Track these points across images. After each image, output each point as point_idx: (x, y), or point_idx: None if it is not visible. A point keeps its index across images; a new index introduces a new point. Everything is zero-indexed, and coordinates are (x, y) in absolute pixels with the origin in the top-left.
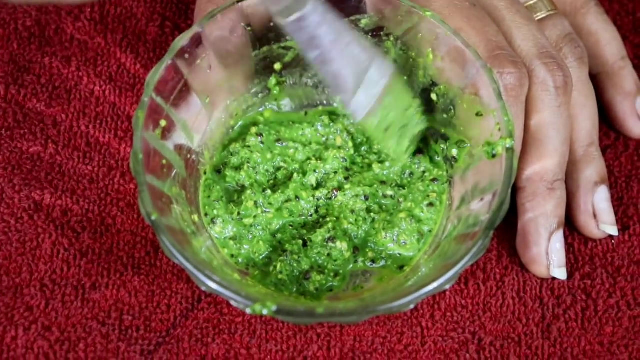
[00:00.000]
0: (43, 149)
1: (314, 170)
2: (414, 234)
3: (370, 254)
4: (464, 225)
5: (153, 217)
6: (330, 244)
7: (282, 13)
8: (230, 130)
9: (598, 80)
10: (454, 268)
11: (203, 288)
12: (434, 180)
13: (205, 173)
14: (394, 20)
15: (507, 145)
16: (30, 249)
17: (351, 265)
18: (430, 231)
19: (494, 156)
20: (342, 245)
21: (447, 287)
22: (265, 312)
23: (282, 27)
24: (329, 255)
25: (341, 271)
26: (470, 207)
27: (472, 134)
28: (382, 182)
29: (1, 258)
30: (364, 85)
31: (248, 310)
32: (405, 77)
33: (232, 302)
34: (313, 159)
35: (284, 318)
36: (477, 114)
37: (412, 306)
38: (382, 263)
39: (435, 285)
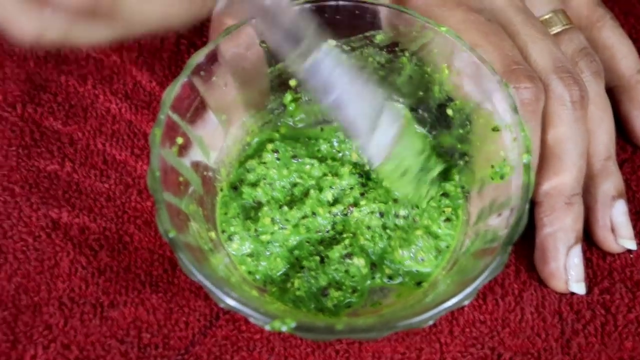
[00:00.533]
0: (60, 167)
1: (330, 187)
2: (431, 250)
3: (387, 271)
4: (482, 240)
5: (171, 235)
6: (348, 260)
7: (295, 61)
8: (247, 147)
9: (614, 94)
10: (473, 284)
11: (222, 305)
12: (444, 195)
13: (222, 190)
14: (409, 36)
15: (524, 161)
16: (48, 267)
17: (369, 282)
18: (447, 247)
19: (502, 177)
20: (359, 262)
21: (466, 302)
22: (284, 328)
23: (296, 74)
24: (346, 271)
25: (359, 287)
26: (488, 223)
27: (488, 149)
28: (395, 201)
29: (20, 277)
30: (379, 128)
31: (267, 327)
32: (418, 123)
33: (251, 319)
34: (329, 174)
35: (303, 334)
36: (494, 129)
37: (431, 322)
38: (400, 280)
39: (454, 301)
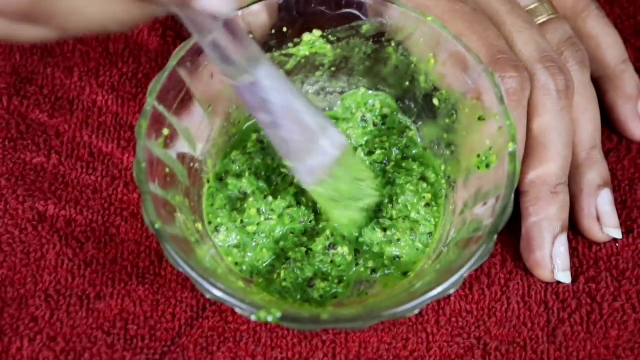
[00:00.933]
0: (46, 159)
1: None
2: (406, 231)
3: (370, 260)
4: (468, 230)
5: (157, 226)
6: (332, 251)
7: (232, 75)
8: (232, 138)
9: (599, 84)
10: (458, 273)
11: (208, 296)
12: (422, 179)
13: (208, 181)
14: (395, 26)
15: (510, 150)
16: (34, 259)
17: (354, 269)
18: (431, 234)
19: (487, 166)
20: (343, 250)
21: (452, 291)
22: (270, 319)
23: (230, 86)
24: (332, 262)
25: (345, 277)
26: (473, 212)
27: (473, 139)
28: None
29: (6, 269)
30: (314, 153)
31: (253, 317)
32: (365, 149)
33: (237, 310)
34: None
35: (289, 325)
36: (479, 119)
37: (416, 311)
38: (386, 271)
39: (439, 290)
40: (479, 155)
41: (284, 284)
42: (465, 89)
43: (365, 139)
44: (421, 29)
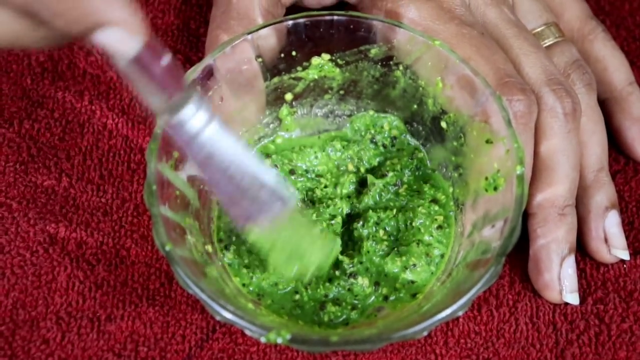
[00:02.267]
0: (57, 182)
1: (328, 201)
2: (422, 256)
3: (385, 288)
4: (476, 252)
5: (167, 248)
6: (352, 280)
7: (165, 112)
8: None
9: (606, 106)
10: (467, 295)
11: (218, 318)
12: (433, 201)
13: (218, 204)
14: (403, 50)
15: (518, 172)
16: (45, 282)
17: (371, 300)
18: (442, 255)
19: (495, 189)
20: (363, 282)
21: (460, 313)
22: (279, 340)
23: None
24: (349, 290)
25: (360, 305)
26: (481, 234)
27: (481, 161)
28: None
29: (17, 292)
30: (251, 198)
31: (263, 339)
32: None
33: (247, 332)
34: (330, 187)
35: (298, 346)
36: (487, 142)
37: (425, 333)
38: (398, 295)
39: (448, 312)
40: (486, 178)
41: (294, 307)
42: (473, 112)
43: (378, 160)
44: (429, 53)
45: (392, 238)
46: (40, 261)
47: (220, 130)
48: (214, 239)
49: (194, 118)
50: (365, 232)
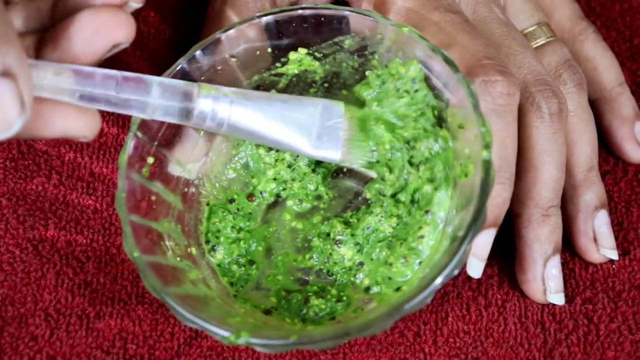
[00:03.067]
0: (47, 180)
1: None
2: (400, 258)
3: (369, 276)
4: (450, 241)
5: (135, 255)
6: (335, 247)
7: (182, 121)
8: (232, 160)
9: (596, 106)
10: (429, 287)
11: (185, 323)
12: (427, 212)
13: (208, 204)
14: (375, 39)
15: (484, 157)
16: (34, 279)
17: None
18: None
19: (466, 175)
20: (346, 253)
21: (423, 306)
22: (240, 341)
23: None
24: (329, 255)
25: (345, 297)
26: (455, 221)
27: (457, 147)
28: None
29: (6, 288)
30: (316, 133)
31: (225, 342)
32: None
33: (211, 334)
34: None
35: (258, 348)
36: (459, 127)
37: (388, 325)
38: (378, 289)
39: (410, 304)
40: (460, 164)
41: (276, 298)
42: (447, 98)
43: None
44: (399, 40)
45: (396, 226)
46: (30, 258)
47: (242, 108)
48: (202, 240)
49: (213, 113)
50: (375, 211)
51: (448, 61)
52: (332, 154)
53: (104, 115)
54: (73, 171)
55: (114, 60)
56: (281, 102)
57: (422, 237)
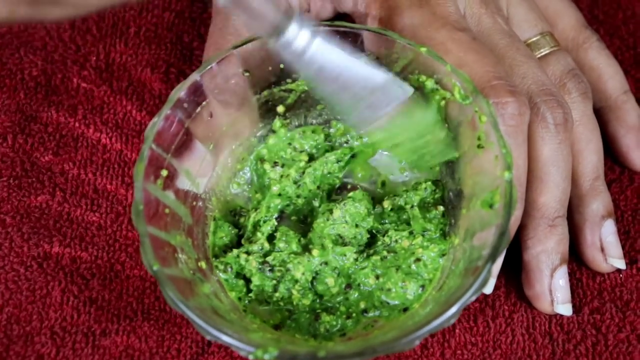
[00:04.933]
0: (51, 197)
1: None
2: (398, 282)
3: (362, 302)
4: (468, 260)
5: (155, 268)
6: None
7: (265, 34)
8: (236, 175)
9: (601, 115)
10: (457, 303)
11: (208, 337)
12: (425, 231)
13: (214, 219)
14: (391, 58)
15: (506, 178)
16: (40, 297)
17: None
18: (430, 280)
19: (491, 207)
20: (329, 281)
21: (451, 322)
22: (267, 357)
23: (284, 60)
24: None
25: (354, 314)
26: (473, 242)
27: (473, 168)
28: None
29: (11, 307)
30: (366, 104)
31: (250, 357)
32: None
33: (235, 350)
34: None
35: None
36: (478, 147)
37: (417, 342)
38: (378, 313)
39: (438, 322)
40: (484, 199)
41: (288, 317)
42: (462, 118)
43: None
44: (416, 60)
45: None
46: (35, 276)
47: (325, 44)
48: (209, 254)
49: (299, 37)
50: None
51: (466, 81)
52: (360, 126)
53: (107, 131)
54: (77, 188)
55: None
56: (356, 62)
57: (418, 260)
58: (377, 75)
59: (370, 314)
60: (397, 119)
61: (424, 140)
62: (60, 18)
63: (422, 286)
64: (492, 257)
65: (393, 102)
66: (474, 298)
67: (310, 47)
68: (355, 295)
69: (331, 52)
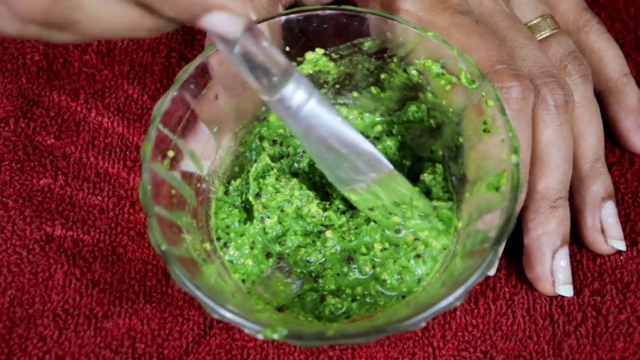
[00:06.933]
0: (53, 181)
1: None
2: (394, 274)
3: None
4: (472, 242)
5: (163, 247)
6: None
7: (263, 90)
8: (240, 157)
9: (601, 97)
10: (464, 285)
11: (215, 316)
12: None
13: (217, 200)
14: (396, 42)
15: (513, 161)
16: (42, 279)
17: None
18: (419, 280)
19: (497, 189)
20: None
21: (457, 304)
22: (276, 336)
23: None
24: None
25: (359, 297)
26: (477, 225)
27: (478, 152)
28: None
29: (14, 289)
30: (351, 166)
31: (259, 336)
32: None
33: (243, 329)
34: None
35: (294, 342)
36: (484, 131)
37: (422, 324)
38: (373, 300)
39: (444, 303)
40: (490, 182)
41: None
42: (468, 102)
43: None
44: (422, 44)
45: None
46: (37, 259)
47: (319, 106)
48: (213, 236)
49: (295, 95)
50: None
51: (473, 66)
52: (342, 186)
53: (109, 115)
54: (79, 171)
55: None
56: (345, 128)
57: (418, 256)
58: (364, 143)
59: (368, 300)
60: (376, 187)
61: (399, 209)
62: (67, 42)
63: (419, 280)
64: (499, 239)
65: (377, 171)
66: (480, 280)
67: (305, 107)
68: (356, 275)
69: (324, 114)
